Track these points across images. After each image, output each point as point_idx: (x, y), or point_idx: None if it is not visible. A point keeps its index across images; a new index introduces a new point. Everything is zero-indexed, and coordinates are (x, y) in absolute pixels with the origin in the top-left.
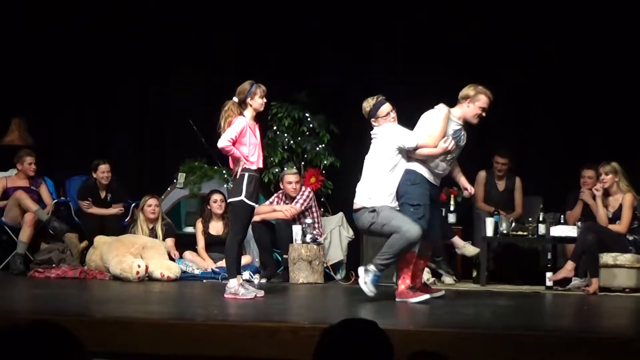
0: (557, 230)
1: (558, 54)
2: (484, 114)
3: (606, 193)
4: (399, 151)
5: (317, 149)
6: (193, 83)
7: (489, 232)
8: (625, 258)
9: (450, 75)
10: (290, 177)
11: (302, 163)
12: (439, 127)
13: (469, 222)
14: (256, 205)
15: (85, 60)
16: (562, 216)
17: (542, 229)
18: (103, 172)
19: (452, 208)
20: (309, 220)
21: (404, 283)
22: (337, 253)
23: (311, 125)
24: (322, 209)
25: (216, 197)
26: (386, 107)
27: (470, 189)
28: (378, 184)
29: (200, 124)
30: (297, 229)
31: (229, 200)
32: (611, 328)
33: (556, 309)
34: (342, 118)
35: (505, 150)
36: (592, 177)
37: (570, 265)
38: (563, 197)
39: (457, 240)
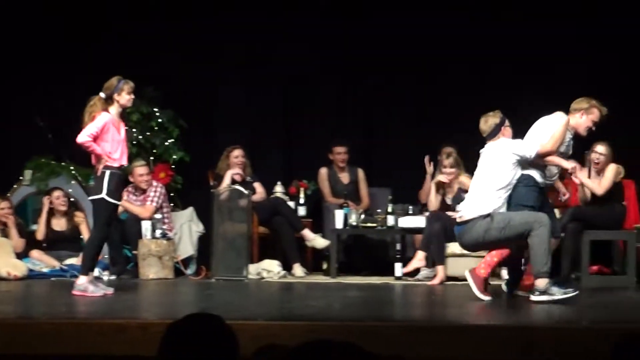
0: (406, 221)
1: (399, 44)
2: (594, 128)
3: None
4: (518, 163)
5: (166, 143)
6: (39, 79)
7: (339, 224)
8: None
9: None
10: (141, 170)
11: (152, 158)
12: (559, 132)
13: (318, 214)
14: (119, 203)
15: None
16: (410, 207)
17: (390, 220)
18: None
19: (301, 201)
20: (158, 216)
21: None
22: (187, 248)
23: (160, 120)
24: (172, 204)
25: (57, 193)
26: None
27: (566, 194)
28: (493, 197)
29: (47, 120)
30: (146, 225)
31: (90, 198)
32: (457, 316)
33: (406, 299)
34: (191, 113)
35: (343, 140)
36: (447, 165)
37: (421, 254)
38: (412, 188)
39: (307, 233)
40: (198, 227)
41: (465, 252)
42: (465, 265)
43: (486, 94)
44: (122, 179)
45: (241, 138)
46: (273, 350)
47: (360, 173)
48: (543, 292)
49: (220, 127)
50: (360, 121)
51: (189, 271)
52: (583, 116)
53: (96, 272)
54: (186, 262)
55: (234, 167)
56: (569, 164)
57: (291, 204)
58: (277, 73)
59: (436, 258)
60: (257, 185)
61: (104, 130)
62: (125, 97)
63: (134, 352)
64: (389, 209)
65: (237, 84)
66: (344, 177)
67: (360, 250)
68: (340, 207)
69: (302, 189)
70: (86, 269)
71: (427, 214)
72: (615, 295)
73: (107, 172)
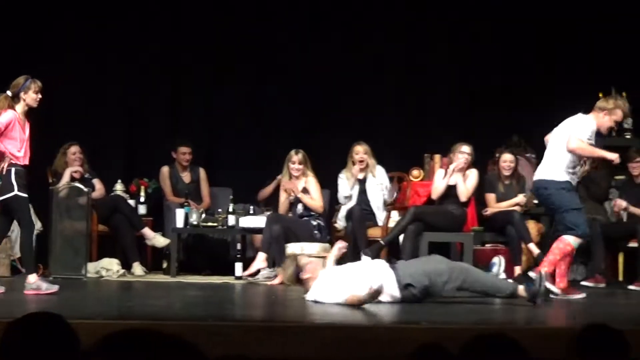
0: (246, 221)
1: (239, 44)
2: (616, 128)
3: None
4: None
5: None
6: None
7: (179, 223)
8: (312, 247)
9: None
10: None
11: None
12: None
13: (159, 213)
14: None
15: None
16: (251, 207)
17: (231, 219)
18: None
19: (142, 199)
20: None
21: (563, 281)
22: None
23: None
24: None
25: None
26: None
27: None
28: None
29: None
30: None
31: (1, 198)
32: (297, 316)
33: (246, 299)
34: (29, 109)
35: (188, 140)
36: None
37: (262, 256)
38: (253, 188)
39: (147, 231)
40: (36, 225)
41: (305, 252)
42: None
43: (330, 100)
44: (27, 177)
45: (80, 135)
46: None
47: (202, 172)
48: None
49: (59, 124)
50: (202, 121)
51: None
52: (606, 116)
53: None
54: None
55: (72, 163)
56: (612, 155)
57: (131, 202)
58: (117, 70)
59: (277, 259)
60: (97, 182)
61: (10, 128)
62: (32, 96)
63: None
64: (230, 209)
65: (77, 81)
66: (186, 177)
67: (200, 249)
68: (181, 206)
69: (142, 187)
70: (32, 267)
71: (267, 214)
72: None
73: (13, 169)
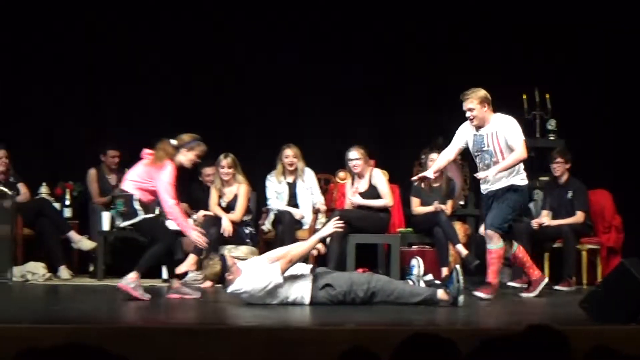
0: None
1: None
2: (468, 114)
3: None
4: None
5: None
6: None
7: (105, 226)
8: (240, 250)
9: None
10: None
11: None
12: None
13: (85, 216)
14: None
15: None
16: None
17: None
18: None
19: (67, 202)
20: None
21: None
22: None
23: None
24: None
25: None
26: None
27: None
28: None
29: None
30: None
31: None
32: (225, 319)
33: (172, 302)
34: None
35: (116, 144)
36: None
37: (192, 258)
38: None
39: (72, 234)
40: None
41: (232, 254)
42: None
43: (257, 103)
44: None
45: (5, 137)
46: (32, 353)
47: None
48: None
49: None
50: (126, 124)
51: None
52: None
53: None
54: None
55: None
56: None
57: (57, 205)
58: (37, 73)
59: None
60: (22, 186)
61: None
62: (191, 158)
63: None
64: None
65: None
66: (113, 179)
67: (127, 252)
68: (108, 208)
69: (67, 190)
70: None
71: (195, 216)
72: None
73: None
